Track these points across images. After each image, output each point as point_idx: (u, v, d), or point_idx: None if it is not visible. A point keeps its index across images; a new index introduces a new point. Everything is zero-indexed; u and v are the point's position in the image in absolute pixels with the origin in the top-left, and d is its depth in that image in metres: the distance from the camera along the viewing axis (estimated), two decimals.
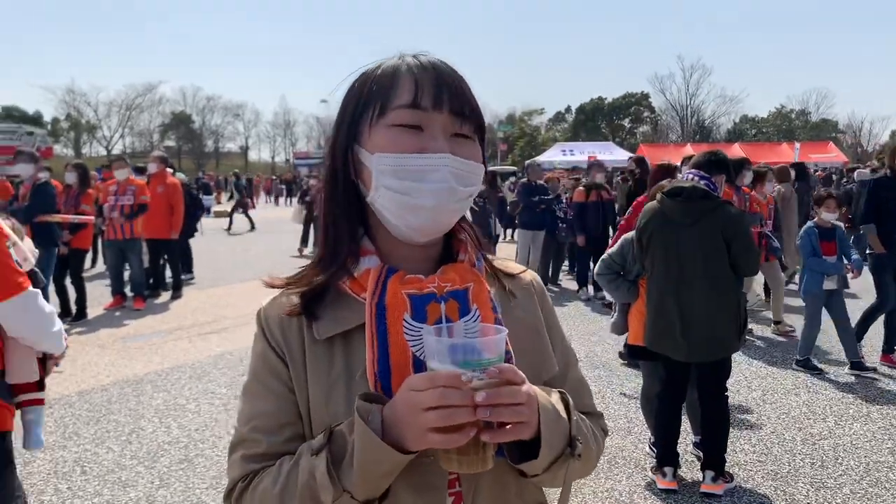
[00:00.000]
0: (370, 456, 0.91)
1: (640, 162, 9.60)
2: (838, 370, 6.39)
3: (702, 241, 3.88)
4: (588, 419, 1.19)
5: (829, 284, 6.27)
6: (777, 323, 7.86)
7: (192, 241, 12.07)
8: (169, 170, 10.16)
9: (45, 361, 2.40)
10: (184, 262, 11.48)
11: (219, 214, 26.92)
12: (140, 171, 10.04)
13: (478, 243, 1.17)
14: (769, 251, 7.55)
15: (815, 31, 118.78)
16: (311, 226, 15.27)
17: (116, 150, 70.17)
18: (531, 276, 1.28)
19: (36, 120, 66.13)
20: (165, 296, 10.31)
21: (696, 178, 4.03)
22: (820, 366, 6.41)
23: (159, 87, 79.72)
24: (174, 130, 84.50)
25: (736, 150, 27.54)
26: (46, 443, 4.82)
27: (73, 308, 8.83)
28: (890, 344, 6.56)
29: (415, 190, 1.00)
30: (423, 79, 1.02)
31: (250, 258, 14.75)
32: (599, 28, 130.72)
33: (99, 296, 9.87)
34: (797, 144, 33.99)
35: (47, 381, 2.54)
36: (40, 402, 2.40)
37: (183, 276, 10.95)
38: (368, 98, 1.04)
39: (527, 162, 17.92)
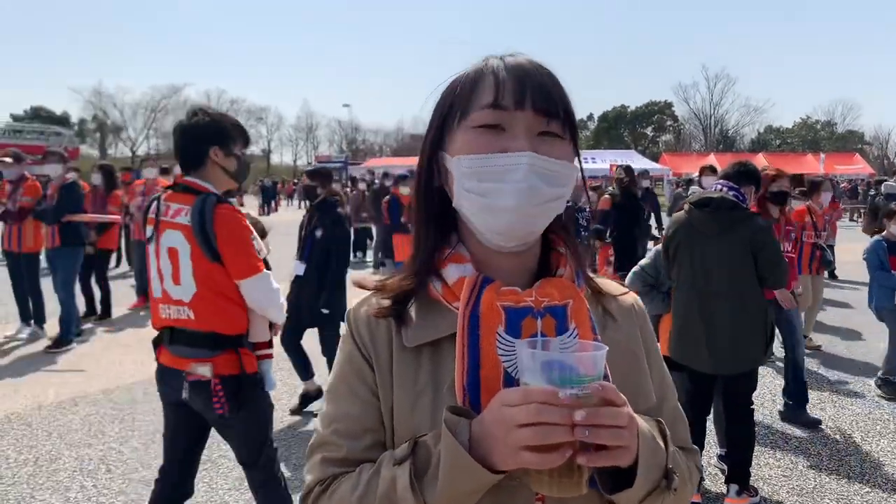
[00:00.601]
0: (457, 472, 0.87)
1: (627, 170, 9.53)
2: (865, 384, 6.31)
3: (730, 253, 3.85)
4: (683, 454, 1.11)
5: None
6: (805, 338, 7.69)
7: None
8: None
9: (271, 327, 3.08)
10: None
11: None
12: (165, 171, 10.12)
13: (579, 259, 1.11)
14: (822, 263, 7.39)
15: (843, 42, 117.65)
16: None
17: (141, 152, 70.92)
18: (633, 298, 1.20)
19: (63, 120, 66.76)
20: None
21: (725, 189, 4.00)
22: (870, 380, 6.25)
23: (184, 90, 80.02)
24: None
25: (760, 160, 27.31)
26: (72, 440, 4.89)
27: (99, 307, 8.94)
28: None
29: (494, 191, 0.96)
30: (504, 78, 0.99)
31: (276, 259, 14.75)
32: (623, 36, 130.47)
33: (122, 296, 9.91)
34: (822, 155, 33.67)
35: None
36: (271, 356, 3.07)
37: None
38: (453, 103, 1.02)
39: None
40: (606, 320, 1.10)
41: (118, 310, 9.22)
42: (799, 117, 78.36)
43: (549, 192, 0.97)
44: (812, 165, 30.62)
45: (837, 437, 5.13)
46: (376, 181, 14.79)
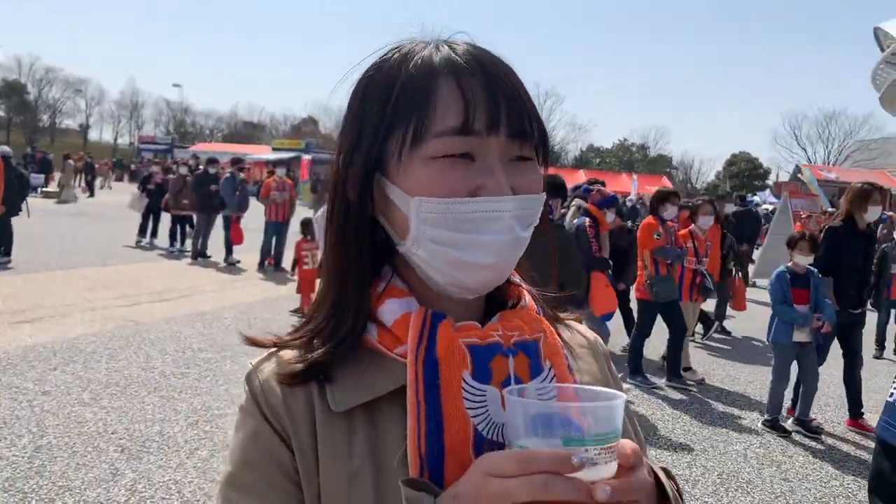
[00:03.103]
0: None
1: None
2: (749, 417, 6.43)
3: (533, 261, 4.07)
4: None
5: (800, 336, 5.66)
6: (687, 369, 7.25)
7: (16, 222, 11.11)
8: None
9: None
10: (2, 243, 10.54)
11: (48, 195, 25.02)
12: None
13: (530, 286, 0.93)
14: (700, 291, 7.23)
15: (659, 71, 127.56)
16: (151, 215, 14.53)
17: None
18: (592, 334, 1.01)
19: None
20: None
21: None
22: (790, 427, 5.82)
23: None
24: (5, 100, 77.50)
25: (580, 177, 29.00)
26: None
27: None
28: (856, 408, 6.02)
29: (467, 244, 0.75)
30: (471, 89, 0.75)
31: (80, 244, 13.75)
32: None
33: None
34: (635, 176, 36.27)
35: None
36: None
37: None
38: (396, 116, 0.77)
39: None
40: (574, 358, 0.91)
41: None
42: (617, 139, 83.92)
43: (525, 236, 0.79)
44: (626, 185, 32.84)
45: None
46: (200, 167, 14.15)
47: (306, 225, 8.93)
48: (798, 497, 4.54)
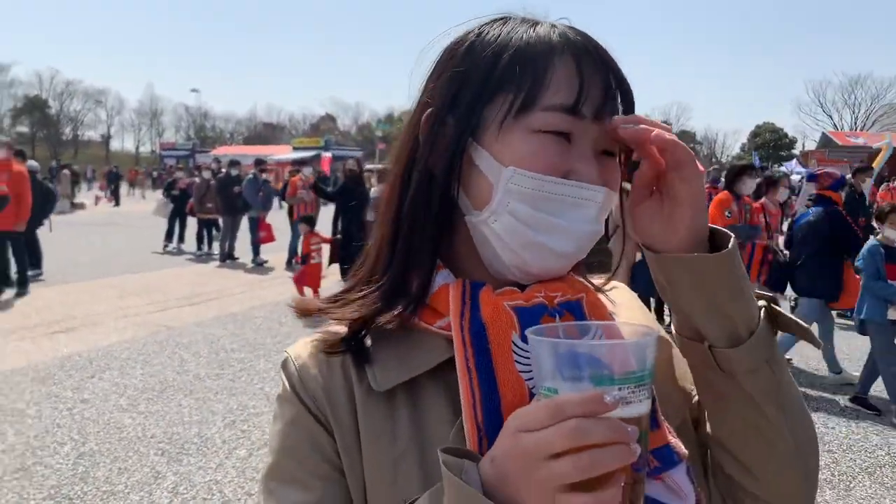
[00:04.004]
0: None
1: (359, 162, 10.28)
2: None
3: None
4: None
5: (894, 314, 5.25)
6: None
7: (44, 234, 11.28)
8: (17, 158, 9.45)
9: None
10: (31, 257, 10.69)
11: (75, 206, 25.41)
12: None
13: None
14: (772, 269, 6.56)
15: (678, 46, 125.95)
16: (177, 220, 14.66)
17: None
18: (628, 291, 0.97)
19: None
20: (9, 293, 9.53)
21: None
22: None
23: (12, 69, 73.89)
24: (27, 116, 78.71)
25: None
26: None
27: None
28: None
29: (549, 227, 0.72)
30: (588, 71, 0.73)
31: (108, 254, 13.93)
32: None
33: None
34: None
35: None
36: None
37: (29, 272, 10.18)
38: (505, 79, 0.73)
39: None
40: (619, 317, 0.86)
41: None
42: None
43: (601, 233, 0.77)
44: None
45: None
46: (223, 170, 14.25)
47: (308, 220, 8.98)
48: (843, 468, 4.46)
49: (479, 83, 0.75)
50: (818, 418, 5.35)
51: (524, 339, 0.71)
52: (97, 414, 5.08)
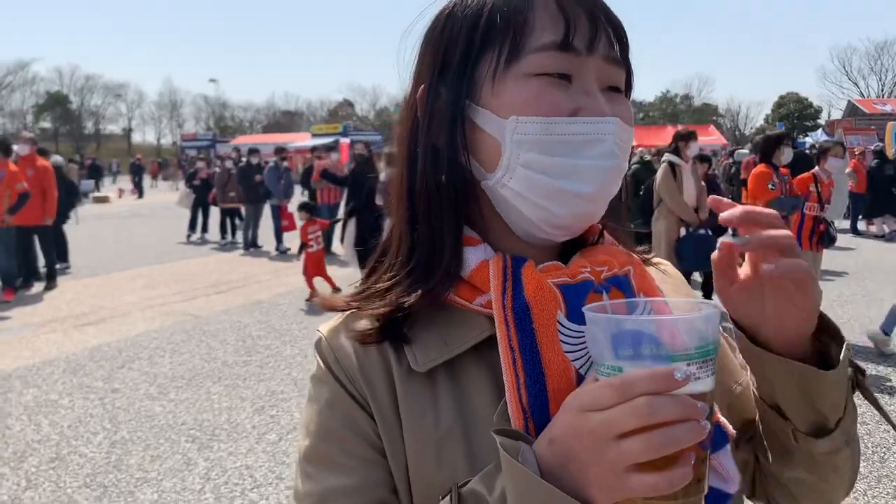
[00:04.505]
0: None
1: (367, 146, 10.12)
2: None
3: None
4: None
5: None
6: None
7: (71, 228, 11.42)
8: (41, 154, 9.53)
9: None
10: (58, 250, 10.82)
11: (98, 200, 25.68)
12: (5, 151, 9.27)
13: (613, 223, 0.86)
14: (822, 240, 6.27)
15: (698, 16, 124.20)
16: (200, 210, 14.76)
17: None
18: (675, 270, 0.95)
19: None
20: (38, 286, 9.67)
21: None
22: None
23: (32, 65, 74.73)
24: (49, 111, 79.62)
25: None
26: None
27: None
28: None
29: (569, 170, 0.69)
30: (571, 6, 0.71)
31: (134, 245, 14.07)
32: None
33: None
34: (680, 128, 35.55)
35: None
36: None
37: (57, 266, 10.31)
38: (489, 33, 0.72)
39: None
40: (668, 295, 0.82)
41: None
42: (660, 91, 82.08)
43: (626, 167, 0.74)
44: (671, 138, 32.26)
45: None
46: (243, 159, 14.31)
47: (308, 208, 8.75)
48: (877, 440, 4.39)
49: (465, 45, 0.73)
50: None
51: (571, 317, 0.68)
52: (128, 403, 5.14)
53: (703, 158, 7.82)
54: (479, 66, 0.72)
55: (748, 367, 0.75)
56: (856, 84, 58.20)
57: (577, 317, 0.68)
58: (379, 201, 8.72)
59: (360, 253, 8.12)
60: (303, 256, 8.58)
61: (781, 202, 5.89)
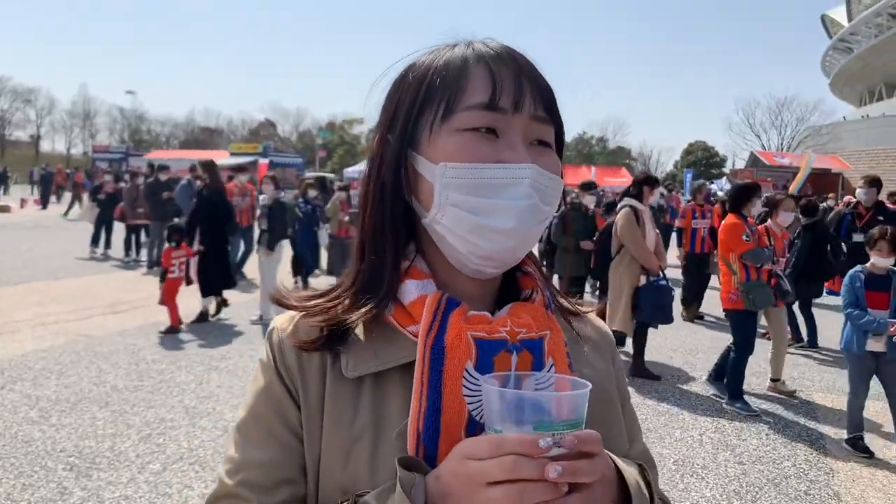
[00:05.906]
0: None
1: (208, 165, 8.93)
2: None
3: None
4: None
5: (874, 346, 5.00)
6: (775, 381, 6.60)
7: None
8: None
9: None
10: None
11: (1, 209, 24.46)
12: None
13: (547, 280, 0.97)
14: (777, 293, 6.23)
15: (615, 63, 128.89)
16: (103, 226, 14.25)
17: None
18: (601, 323, 1.07)
19: None
20: None
21: None
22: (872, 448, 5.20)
23: None
24: None
25: None
26: None
27: None
28: None
29: (489, 208, 0.81)
30: (500, 72, 0.83)
31: (33, 258, 13.44)
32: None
33: None
34: (593, 168, 36.66)
35: None
36: None
37: None
38: (429, 95, 0.84)
39: None
40: (578, 349, 0.96)
41: None
42: (576, 132, 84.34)
43: (546, 210, 0.84)
44: (586, 177, 33.17)
45: None
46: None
47: (175, 231, 8.21)
48: (751, 479, 4.61)
49: (409, 104, 0.86)
50: (732, 429, 5.54)
51: (479, 368, 0.80)
52: (4, 427, 4.90)
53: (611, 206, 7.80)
54: (420, 121, 0.85)
55: None
56: (758, 136, 61.26)
57: (484, 368, 0.80)
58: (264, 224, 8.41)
59: (204, 288, 7.64)
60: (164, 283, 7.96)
61: (757, 254, 5.98)
